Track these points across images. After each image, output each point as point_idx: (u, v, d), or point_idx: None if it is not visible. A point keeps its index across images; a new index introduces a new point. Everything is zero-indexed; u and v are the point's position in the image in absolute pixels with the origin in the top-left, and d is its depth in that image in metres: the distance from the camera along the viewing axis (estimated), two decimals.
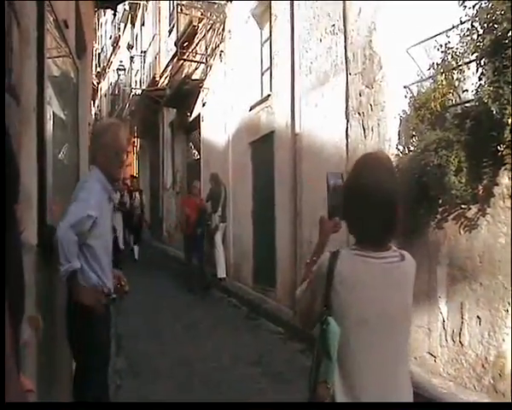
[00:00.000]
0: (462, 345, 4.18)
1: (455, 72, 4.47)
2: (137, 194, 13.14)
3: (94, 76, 21.57)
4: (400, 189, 1.69)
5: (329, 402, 1.55)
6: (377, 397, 1.58)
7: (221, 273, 9.47)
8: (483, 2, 3.99)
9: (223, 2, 10.57)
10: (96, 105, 27.48)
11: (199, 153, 12.72)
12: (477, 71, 4.04)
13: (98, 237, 2.76)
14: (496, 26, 3.81)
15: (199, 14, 11.80)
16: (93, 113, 21.69)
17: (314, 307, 1.66)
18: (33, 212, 2.69)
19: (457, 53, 4.36)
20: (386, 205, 1.60)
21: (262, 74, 9.17)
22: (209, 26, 11.31)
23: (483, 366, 3.96)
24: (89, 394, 2.75)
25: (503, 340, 3.80)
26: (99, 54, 27.01)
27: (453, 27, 4.41)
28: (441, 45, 4.52)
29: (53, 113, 3.50)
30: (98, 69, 26.25)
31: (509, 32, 3.67)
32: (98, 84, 27.12)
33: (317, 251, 1.91)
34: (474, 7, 4.06)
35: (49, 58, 3.19)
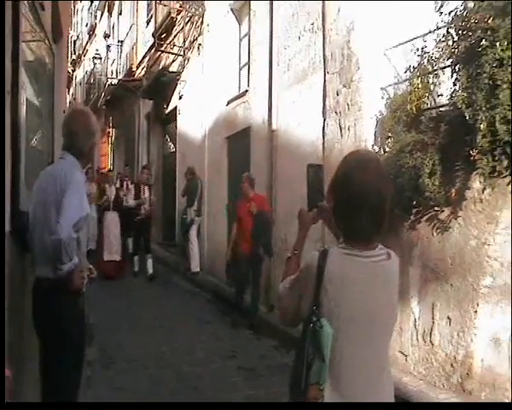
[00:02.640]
0: (432, 345, 4.25)
1: (430, 76, 4.54)
2: (146, 189, 9.82)
3: (69, 63, 21.13)
4: (390, 187, 1.68)
5: (314, 402, 1.55)
6: (363, 394, 1.59)
7: (195, 267, 9.44)
8: (458, 9, 4.06)
9: None
10: (70, 93, 26.94)
11: (175, 146, 12.61)
12: (452, 76, 4.12)
13: (82, 228, 2.73)
14: (470, 33, 3.88)
15: (177, 5, 11.65)
16: (67, 101, 21.26)
17: (301, 306, 1.65)
18: (6, 197, 2.64)
19: (433, 58, 4.43)
20: (376, 203, 1.60)
21: (240, 69, 9.13)
22: (187, 19, 11.20)
23: (452, 365, 4.04)
24: (60, 395, 2.66)
25: (472, 340, 3.89)
26: (74, 41, 26.44)
27: (430, 32, 4.48)
28: (418, 49, 4.58)
29: (26, 98, 3.43)
30: (73, 57, 25.72)
31: (482, 40, 3.74)
32: (73, 71, 26.59)
33: (297, 245, 1.90)
34: (449, 14, 4.14)
35: (23, 42, 3.11)
